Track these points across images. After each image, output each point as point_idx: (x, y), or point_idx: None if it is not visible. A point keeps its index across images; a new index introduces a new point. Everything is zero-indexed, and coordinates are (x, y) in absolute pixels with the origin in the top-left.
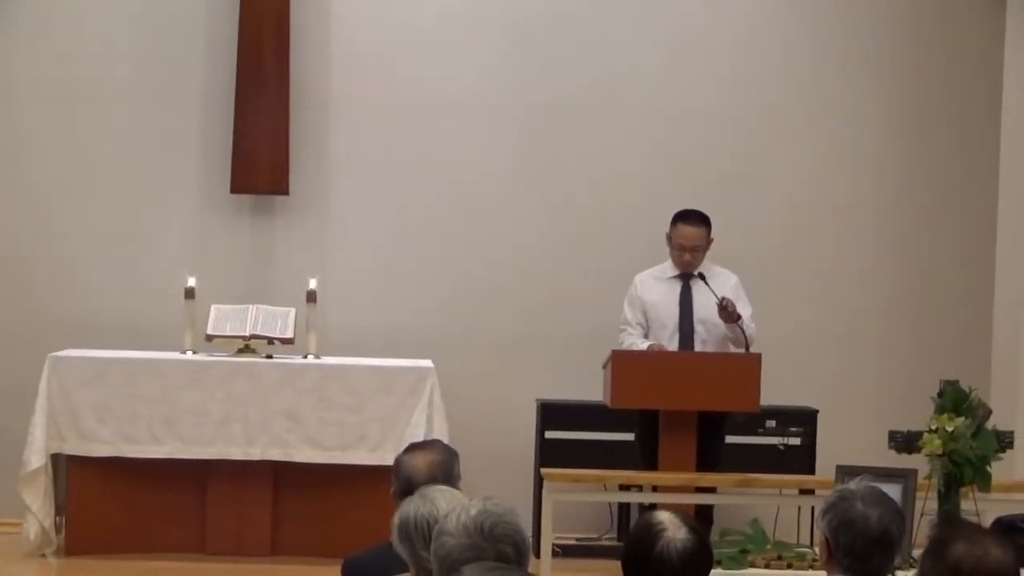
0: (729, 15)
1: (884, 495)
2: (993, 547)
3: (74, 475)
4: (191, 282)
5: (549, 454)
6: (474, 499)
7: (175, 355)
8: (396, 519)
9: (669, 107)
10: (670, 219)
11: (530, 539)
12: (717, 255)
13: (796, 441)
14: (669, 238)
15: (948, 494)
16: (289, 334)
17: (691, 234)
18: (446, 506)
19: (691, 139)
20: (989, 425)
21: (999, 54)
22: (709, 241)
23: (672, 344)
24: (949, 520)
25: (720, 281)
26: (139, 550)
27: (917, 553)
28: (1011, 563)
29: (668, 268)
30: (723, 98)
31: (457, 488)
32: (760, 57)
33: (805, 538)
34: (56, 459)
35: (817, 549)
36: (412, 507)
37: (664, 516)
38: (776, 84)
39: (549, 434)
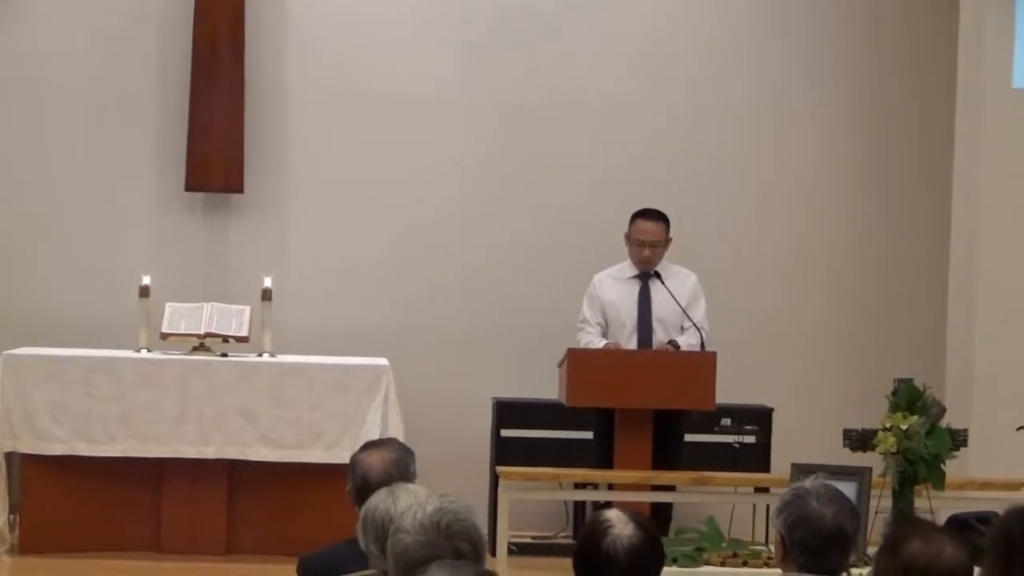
0: (695, 15)
1: (839, 493)
2: (947, 546)
3: (28, 474)
4: (146, 280)
5: (505, 452)
6: (431, 496)
7: (130, 353)
8: (361, 513)
9: (629, 107)
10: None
11: (486, 537)
12: (676, 253)
13: (751, 439)
14: (628, 236)
15: (902, 492)
16: (244, 332)
17: (650, 229)
18: (405, 503)
19: (652, 139)
20: (943, 423)
21: (955, 53)
22: (668, 239)
23: (631, 343)
24: (905, 518)
25: (679, 280)
26: (93, 548)
27: (872, 551)
28: (964, 562)
29: (627, 268)
30: (685, 97)
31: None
32: (724, 57)
33: (760, 536)
34: (10, 457)
35: (772, 547)
36: (374, 502)
37: (612, 514)
38: (739, 84)
39: (505, 432)
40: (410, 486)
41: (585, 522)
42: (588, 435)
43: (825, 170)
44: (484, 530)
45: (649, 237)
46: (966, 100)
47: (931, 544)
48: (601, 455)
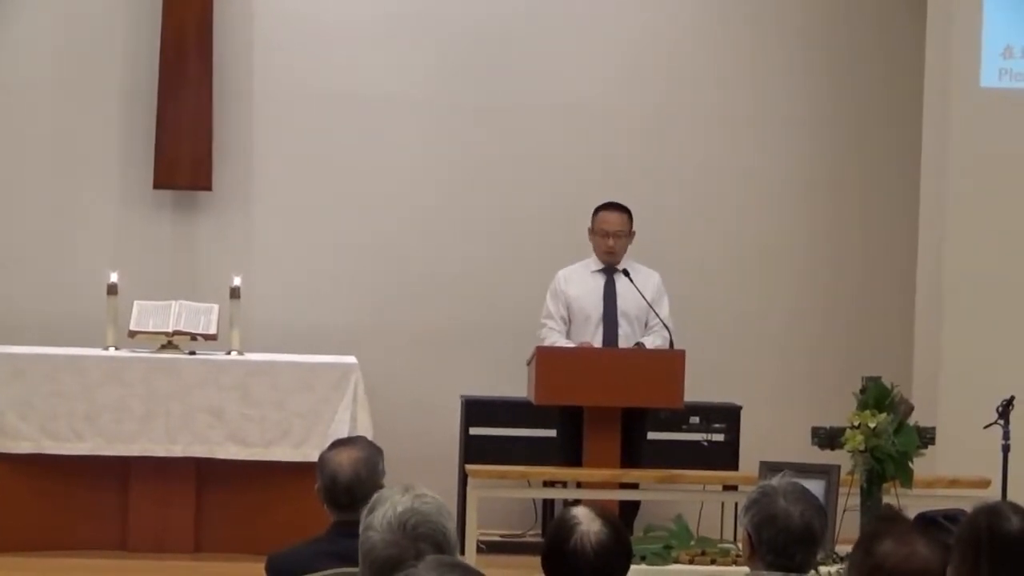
0: (667, 15)
1: (806, 491)
2: (921, 546)
3: None
4: (113, 278)
5: (474, 450)
6: (408, 492)
7: (97, 351)
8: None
9: (599, 107)
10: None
11: (453, 535)
12: (645, 251)
13: (720, 437)
14: (591, 229)
15: (870, 490)
16: (212, 330)
17: (613, 220)
18: (388, 502)
19: (622, 139)
20: (911, 421)
21: (923, 52)
22: (631, 231)
23: (595, 339)
24: (884, 515)
25: (643, 278)
26: (60, 547)
27: (841, 548)
28: (937, 563)
29: (592, 263)
30: (656, 98)
31: (380, 485)
32: (693, 58)
33: (729, 534)
34: None
35: (740, 545)
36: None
37: (579, 511)
38: (708, 85)
39: (474, 430)
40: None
41: (553, 520)
42: (556, 433)
43: (795, 170)
44: (455, 529)
45: (612, 227)
46: (933, 98)
47: (904, 545)
48: (566, 453)
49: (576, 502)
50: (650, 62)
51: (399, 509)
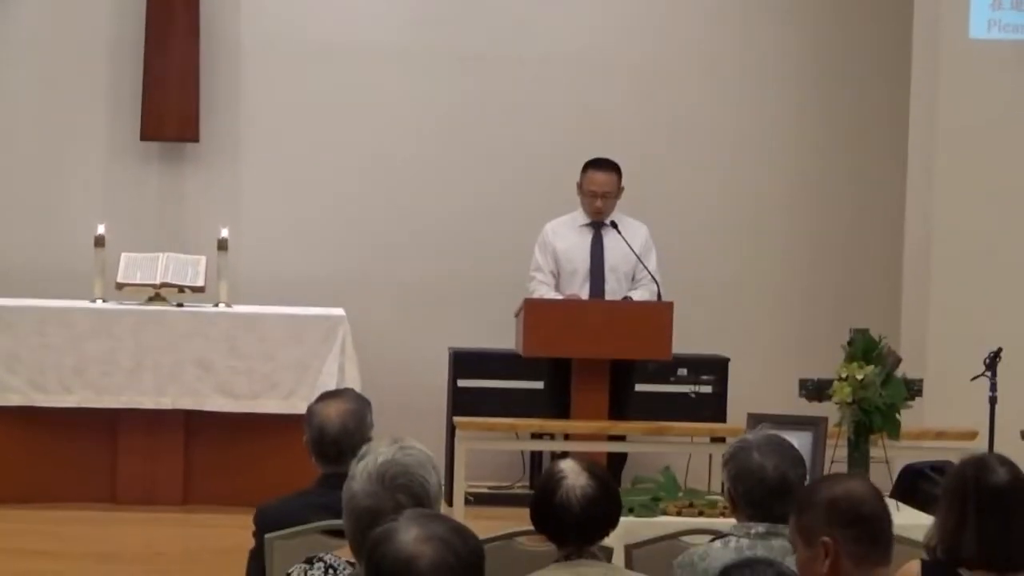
0: None
1: (782, 443)
2: (852, 480)
3: None
4: (101, 230)
5: (462, 403)
6: (394, 444)
7: (85, 304)
8: None
9: (588, 58)
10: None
11: (435, 488)
12: (632, 203)
13: (708, 389)
14: (580, 186)
15: (858, 442)
16: (200, 282)
17: (602, 180)
18: (375, 453)
19: (611, 90)
20: (898, 373)
21: (911, 3)
22: (620, 188)
23: (583, 292)
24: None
25: (631, 232)
26: (49, 500)
27: None
28: (875, 491)
29: (579, 216)
30: (645, 48)
31: (368, 438)
32: (682, 7)
33: (717, 486)
34: None
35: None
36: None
37: (567, 464)
38: (696, 34)
39: (462, 382)
40: (413, 442)
41: (541, 473)
42: (543, 385)
43: (783, 120)
44: (441, 481)
45: (601, 188)
46: (922, 49)
47: (840, 481)
48: (554, 405)
49: (564, 454)
50: (638, 11)
51: (379, 460)
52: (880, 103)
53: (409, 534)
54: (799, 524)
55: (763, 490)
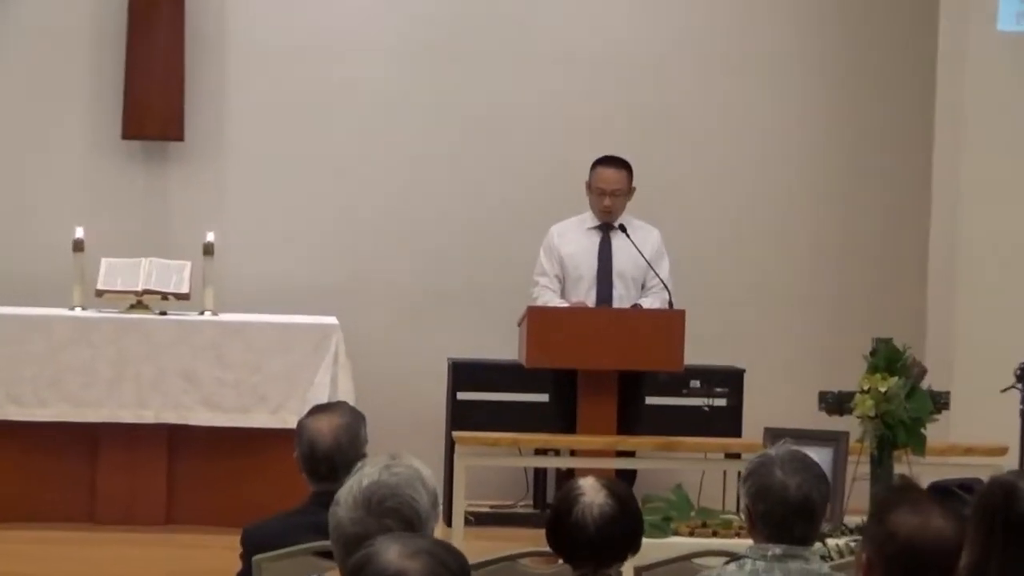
0: None
1: (806, 460)
2: (936, 515)
3: None
4: (79, 233)
5: (461, 416)
6: (379, 463)
7: (63, 311)
8: None
9: (598, 51)
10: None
11: (427, 507)
12: (643, 203)
13: (722, 402)
14: (588, 185)
15: (881, 458)
16: (184, 289)
17: (611, 177)
18: (360, 473)
19: (621, 85)
20: (924, 385)
21: None
22: (631, 188)
23: (589, 298)
24: (898, 484)
25: (642, 235)
26: (25, 519)
27: (849, 519)
28: (953, 533)
29: (587, 219)
30: (657, 41)
31: (362, 454)
32: (702, 4)
33: (732, 504)
34: None
35: (743, 516)
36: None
37: (586, 481)
38: (715, 25)
39: (461, 395)
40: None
41: (560, 489)
42: (548, 398)
43: (805, 122)
44: (438, 498)
45: (610, 185)
46: (949, 42)
47: (919, 513)
48: (559, 419)
49: (570, 471)
50: (657, 8)
51: (364, 483)
52: (905, 100)
53: (391, 552)
54: (868, 555)
55: (785, 509)
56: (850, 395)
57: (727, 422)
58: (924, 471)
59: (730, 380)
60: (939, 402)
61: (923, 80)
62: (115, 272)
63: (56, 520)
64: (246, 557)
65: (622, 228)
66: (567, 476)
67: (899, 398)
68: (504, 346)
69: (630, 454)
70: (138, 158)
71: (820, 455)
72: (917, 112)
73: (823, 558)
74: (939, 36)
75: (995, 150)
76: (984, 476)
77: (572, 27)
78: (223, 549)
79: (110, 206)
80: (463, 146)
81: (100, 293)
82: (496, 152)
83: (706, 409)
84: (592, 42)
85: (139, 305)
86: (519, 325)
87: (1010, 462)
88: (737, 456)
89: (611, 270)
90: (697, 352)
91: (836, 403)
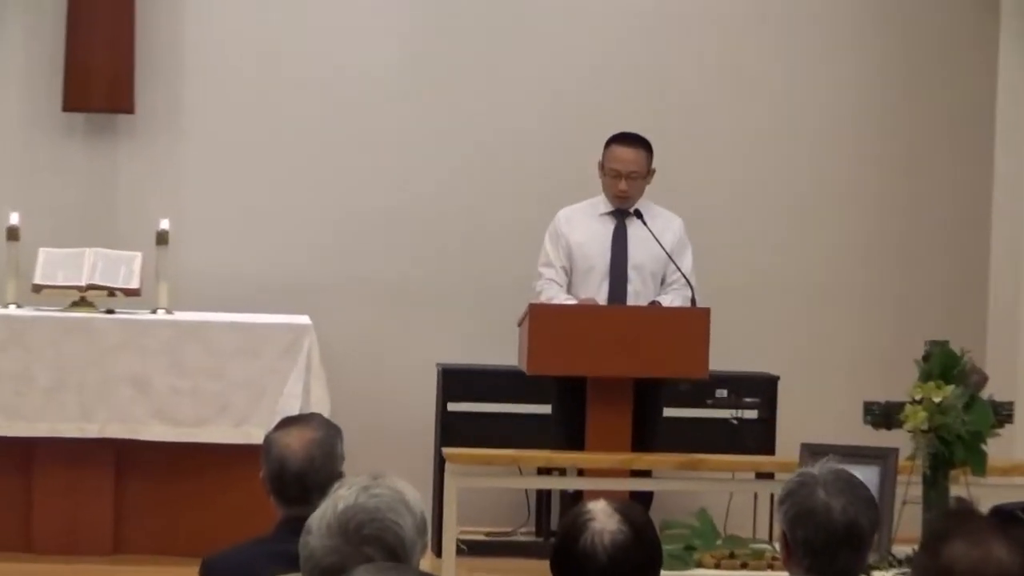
0: None
1: (852, 480)
2: (997, 548)
3: None
4: (14, 220)
5: (453, 430)
6: (357, 484)
7: None
8: None
9: (604, 14)
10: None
11: (412, 533)
12: (659, 191)
13: (752, 414)
14: (601, 165)
15: (935, 478)
16: (134, 284)
17: (627, 157)
18: (335, 496)
19: (631, 54)
20: (984, 395)
21: None
22: (649, 170)
23: (600, 293)
24: (954, 510)
25: (662, 223)
26: None
27: (898, 549)
28: (1017, 568)
29: (600, 203)
30: (676, 7)
31: (339, 473)
32: None
33: (763, 532)
34: None
35: (777, 545)
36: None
37: (596, 505)
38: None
39: (452, 406)
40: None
41: (566, 515)
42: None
43: (842, 92)
44: (426, 524)
45: (626, 167)
46: (1010, 37)
47: (977, 546)
48: (564, 434)
49: (578, 494)
50: None
51: (340, 506)
52: (964, 92)
53: None
54: None
55: (828, 536)
56: (899, 406)
57: (758, 437)
58: (984, 493)
59: (762, 389)
60: (1001, 414)
61: (984, 71)
62: (55, 264)
63: None
64: None
65: (639, 215)
66: (574, 499)
67: (956, 409)
68: (502, 350)
69: (647, 474)
70: (81, 133)
71: (865, 475)
72: (978, 93)
73: None
74: (1000, 28)
75: None
76: None
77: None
78: None
79: (49, 189)
80: (451, 120)
81: (38, 288)
82: (493, 125)
83: (734, 422)
84: (624, 8)
85: (82, 302)
86: (519, 325)
87: None
88: (770, 476)
89: (626, 262)
90: (724, 357)
91: (883, 415)
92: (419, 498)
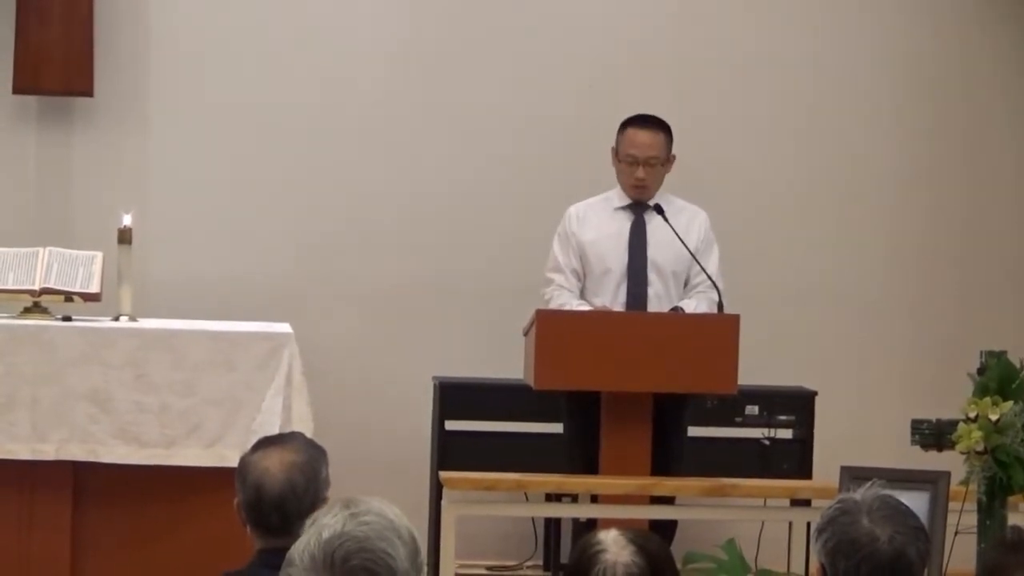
0: None
1: (900, 507)
2: None
3: None
4: None
5: (451, 452)
6: (345, 510)
7: None
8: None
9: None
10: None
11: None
12: (685, 187)
13: (786, 434)
14: (615, 152)
15: (991, 506)
16: (94, 288)
17: (645, 141)
18: (319, 524)
19: (648, 35)
20: None
21: None
22: (669, 157)
23: (617, 299)
24: (1011, 541)
25: (685, 218)
26: None
27: None
28: None
29: (614, 197)
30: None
31: (324, 497)
32: None
33: (798, 565)
34: None
35: None
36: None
37: (608, 535)
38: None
39: (451, 424)
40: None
41: (576, 545)
42: (561, 428)
43: (885, 78)
44: (422, 556)
45: (643, 152)
46: None
47: None
48: (576, 456)
49: (592, 523)
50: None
51: (325, 536)
52: (1009, 81)
53: None
54: None
55: (872, 569)
56: (952, 424)
57: (793, 459)
58: None
59: (797, 406)
60: None
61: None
62: (5, 266)
63: None
64: None
65: (659, 209)
66: (586, 529)
67: (1015, 428)
68: (506, 362)
69: (669, 501)
70: (33, 118)
71: (913, 501)
72: None
73: None
74: None
75: None
76: None
77: None
78: None
79: None
80: (445, 108)
81: None
82: (493, 110)
83: (766, 443)
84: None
85: (36, 308)
86: (525, 335)
87: None
88: (806, 503)
89: (645, 262)
90: (755, 369)
91: (934, 435)
92: (412, 527)
